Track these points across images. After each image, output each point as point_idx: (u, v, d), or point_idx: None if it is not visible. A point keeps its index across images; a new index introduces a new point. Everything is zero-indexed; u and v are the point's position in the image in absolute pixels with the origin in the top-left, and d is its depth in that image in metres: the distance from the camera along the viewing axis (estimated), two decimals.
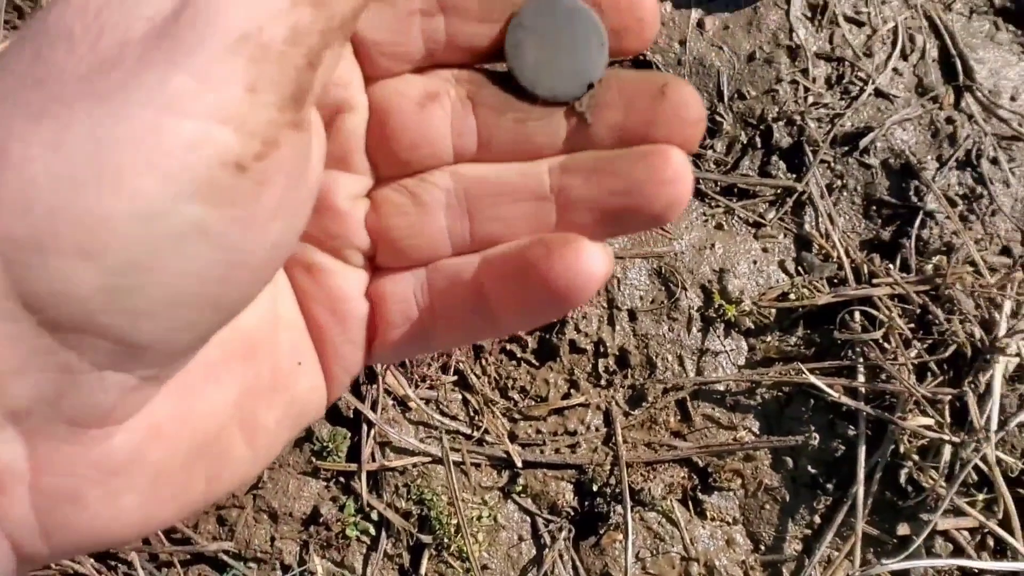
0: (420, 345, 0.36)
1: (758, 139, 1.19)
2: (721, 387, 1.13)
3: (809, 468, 1.11)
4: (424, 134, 0.33)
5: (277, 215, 0.28)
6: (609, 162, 0.32)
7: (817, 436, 1.10)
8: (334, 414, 1.10)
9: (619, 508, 1.08)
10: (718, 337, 1.14)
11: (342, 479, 1.09)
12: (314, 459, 1.09)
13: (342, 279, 0.35)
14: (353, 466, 1.08)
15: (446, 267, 0.35)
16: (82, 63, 0.25)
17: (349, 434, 1.09)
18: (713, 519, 1.11)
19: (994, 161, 1.18)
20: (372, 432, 1.09)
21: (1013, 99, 1.21)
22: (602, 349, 1.14)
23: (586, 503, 1.10)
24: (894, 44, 1.22)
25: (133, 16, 0.25)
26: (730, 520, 1.11)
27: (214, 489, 0.32)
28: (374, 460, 1.09)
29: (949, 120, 1.19)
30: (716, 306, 1.14)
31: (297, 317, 0.35)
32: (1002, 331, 1.07)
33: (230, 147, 0.25)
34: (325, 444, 1.08)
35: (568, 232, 0.32)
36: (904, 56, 1.22)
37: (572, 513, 1.10)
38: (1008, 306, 1.09)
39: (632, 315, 1.14)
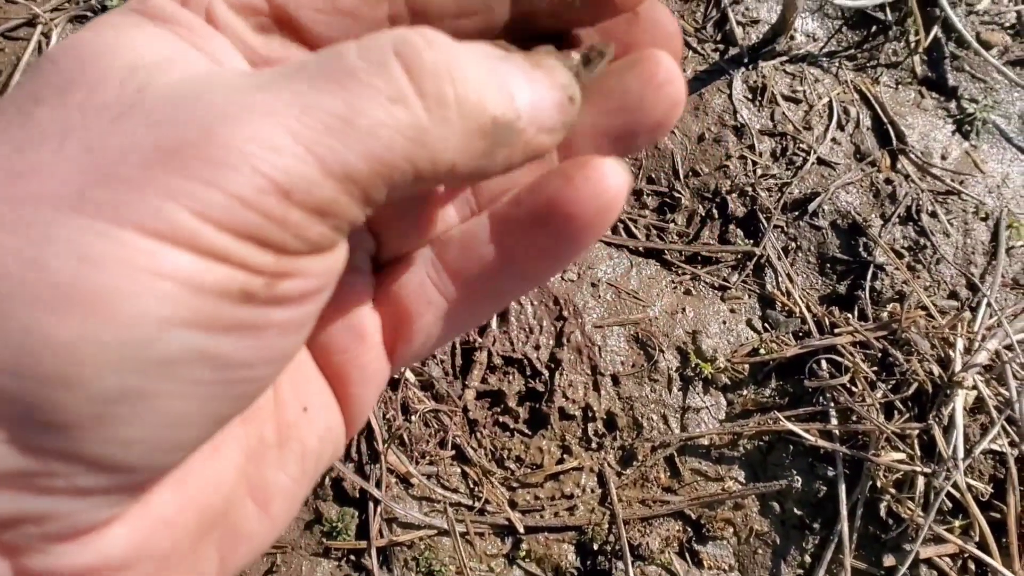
0: (451, 327, 0.34)
1: (715, 210, 1.30)
2: (705, 441, 1.20)
3: (795, 510, 1.17)
4: None
5: (290, 331, 0.25)
6: (598, 82, 0.30)
7: (799, 479, 1.16)
8: (341, 494, 1.16)
9: (620, 564, 1.13)
10: (698, 394, 1.22)
11: (353, 557, 1.14)
12: (324, 539, 1.14)
13: (351, 288, 0.32)
14: (363, 543, 1.13)
15: (455, 238, 0.32)
16: (72, 161, 0.22)
17: (357, 513, 1.15)
18: (710, 567, 1.16)
19: (933, 215, 1.29)
20: (379, 509, 1.14)
21: (943, 158, 1.33)
22: (590, 414, 1.21)
23: (588, 562, 1.15)
24: (830, 117, 1.34)
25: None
26: (726, 567, 1.16)
27: (230, 562, 0.29)
28: (382, 536, 1.14)
29: (888, 181, 1.31)
30: (693, 365, 1.22)
31: (298, 356, 0.32)
32: (958, 367, 1.16)
33: (234, 277, 0.23)
34: (335, 524, 1.14)
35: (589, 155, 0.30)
36: (841, 127, 1.34)
37: (576, 573, 1.15)
38: (961, 344, 1.18)
39: (615, 379, 1.22)
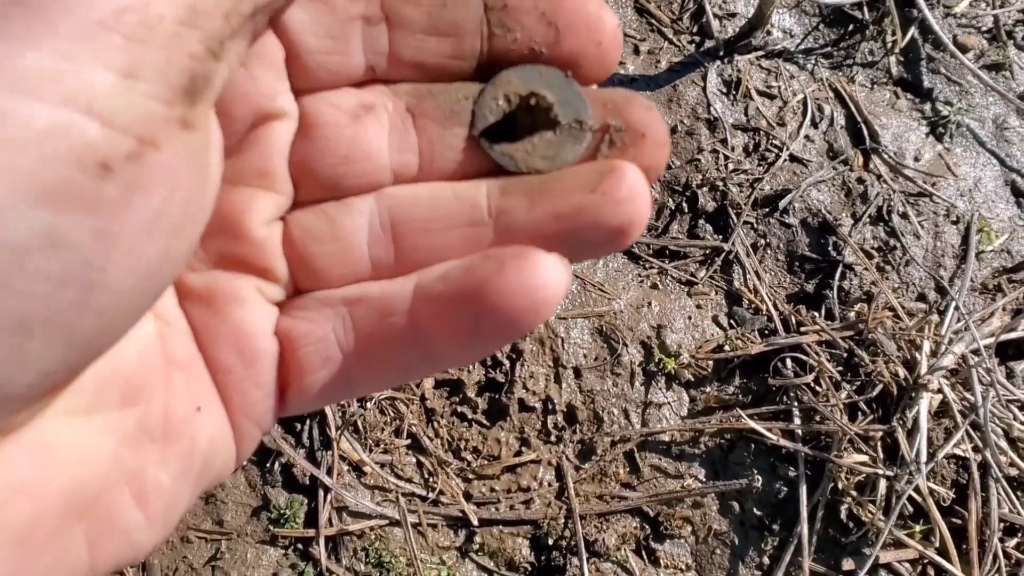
0: (343, 390, 0.31)
1: (685, 204, 1.28)
2: (666, 437, 1.17)
3: (755, 511, 1.15)
4: (357, 149, 0.30)
5: (153, 232, 0.23)
6: (554, 181, 0.29)
7: (760, 479, 1.14)
8: (290, 481, 1.13)
9: (575, 560, 1.11)
10: (660, 390, 1.19)
11: (300, 546, 1.11)
12: (272, 527, 1.10)
13: (250, 314, 0.30)
14: (311, 532, 1.10)
15: (371, 297, 0.30)
16: None
17: (306, 500, 1.12)
18: (667, 566, 1.13)
19: (904, 216, 1.27)
20: (329, 497, 1.11)
21: (916, 159, 1.32)
22: (550, 406, 1.18)
23: (542, 557, 1.13)
24: (804, 114, 1.32)
25: None
26: (683, 567, 1.14)
27: (103, 557, 0.27)
28: (332, 525, 1.11)
29: (860, 180, 1.29)
30: (656, 360, 1.20)
31: (195, 358, 0.30)
32: (923, 369, 1.14)
33: (93, 142, 0.21)
34: (282, 511, 1.10)
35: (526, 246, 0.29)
36: (814, 124, 1.32)
37: (529, 568, 1.13)
38: (927, 346, 1.16)
39: (577, 372, 1.20)
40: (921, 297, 1.24)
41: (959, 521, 1.12)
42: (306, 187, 0.31)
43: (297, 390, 0.31)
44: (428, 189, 0.31)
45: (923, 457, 1.11)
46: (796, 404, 1.16)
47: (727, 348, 1.21)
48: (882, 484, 1.11)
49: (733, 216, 1.26)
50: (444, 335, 0.29)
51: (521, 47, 0.30)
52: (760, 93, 1.33)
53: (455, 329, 0.28)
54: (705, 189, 1.28)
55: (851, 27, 1.37)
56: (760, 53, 1.34)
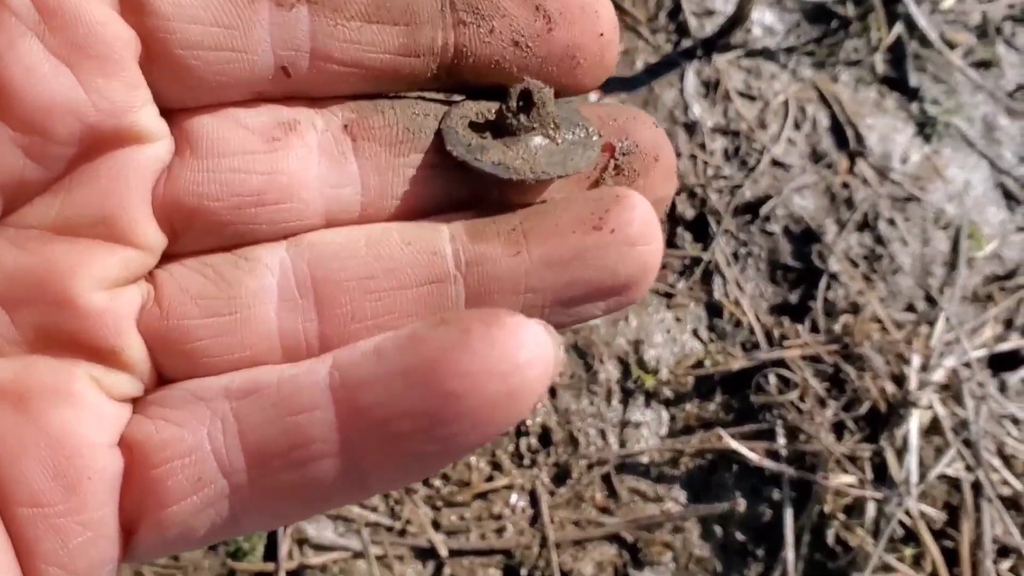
0: (227, 526, 0.22)
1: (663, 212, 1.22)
2: (645, 459, 1.12)
3: (738, 535, 1.09)
4: (275, 183, 0.22)
5: None
6: (543, 216, 0.22)
7: (744, 502, 1.09)
8: None
9: None
10: (638, 408, 1.14)
11: None
12: (229, 560, 1.04)
13: (77, 416, 0.21)
14: (271, 566, 1.04)
15: (268, 389, 0.21)
16: None
17: (265, 532, 1.06)
18: None
19: (891, 222, 1.22)
20: (289, 529, 1.05)
21: (903, 162, 1.26)
22: (523, 428, 1.12)
23: None
24: (786, 115, 1.27)
25: None
26: None
27: None
28: (292, 559, 1.05)
29: (844, 185, 1.24)
30: (634, 377, 1.14)
31: None
32: (913, 385, 1.09)
33: None
34: (240, 544, 1.04)
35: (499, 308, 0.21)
36: (797, 126, 1.27)
37: None
38: (917, 360, 1.11)
39: (551, 391, 1.14)
40: (909, 307, 1.18)
41: (951, 543, 1.06)
42: (191, 235, 0.23)
43: (153, 526, 0.22)
44: (369, 234, 0.23)
45: (913, 478, 1.05)
46: (780, 422, 1.11)
47: (707, 363, 1.15)
48: (871, 506, 1.06)
49: (713, 224, 1.21)
50: (377, 445, 0.20)
51: (500, 41, 0.23)
52: (740, 94, 1.27)
53: (394, 434, 0.19)
54: (683, 196, 1.22)
55: (835, 24, 1.32)
56: (740, 52, 1.28)
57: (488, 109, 0.24)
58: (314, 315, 0.22)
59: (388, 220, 0.23)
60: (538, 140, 0.24)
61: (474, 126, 0.24)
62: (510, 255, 0.22)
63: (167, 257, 0.23)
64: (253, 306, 0.22)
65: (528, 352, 0.19)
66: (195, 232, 0.23)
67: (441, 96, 0.25)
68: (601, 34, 0.23)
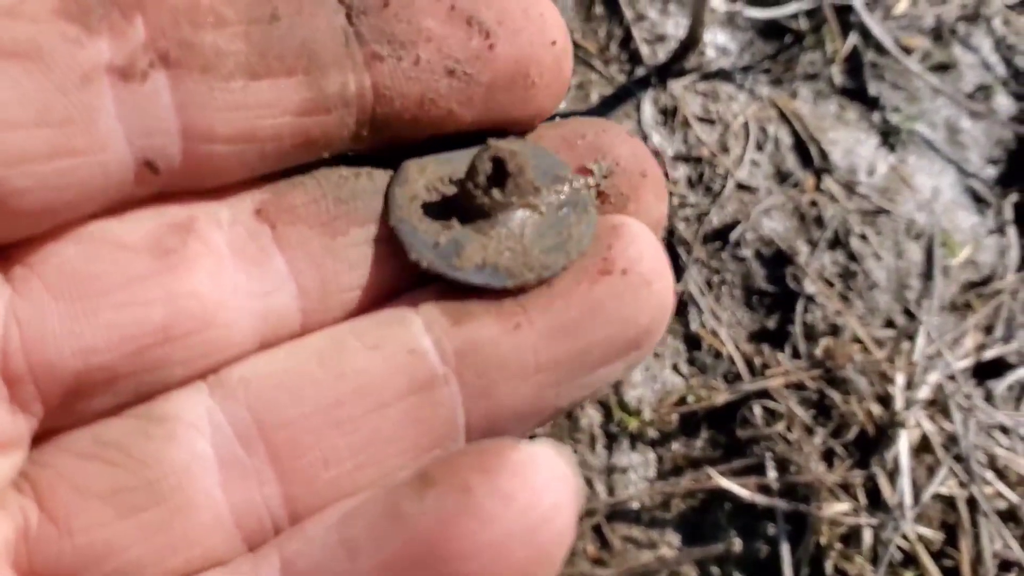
0: None
1: None
2: (635, 504, 1.09)
3: (736, 575, 1.07)
4: (175, 311, 0.17)
5: None
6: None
7: (739, 541, 1.06)
8: None
9: None
10: (624, 452, 1.11)
11: None
12: None
13: None
14: None
15: None
16: None
17: None
18: None
19: (863, 237, 1.20)
20: None
21: (870, 174, 1.24)
22: None
23: None
24: (747, 137, 1.25)
25: None
26: None
27: None
28: None
29: (813, 203, 1.22)
30: (617, 420, 1.11)
31: None
32: (899, 404, 1.07)
33: None
34: None
35: (491, 440, 0.17)
36: (759, 147, 1.25)
37: None
38: (901, 379, 1.09)
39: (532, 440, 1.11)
40: (889, 323, 1.17)
41: (951, 562, 1.05)
42: (73, 403, 0.16)
43: None
44: (320, 347, 0.17)
45: (908, 500, 1.03)
46: (769, 455, 1.08)
47: (690, 399, 1.13)
48: (867, 533, 1.04)
49: (683, 254, 1.18)
50: None
51: (429, 72, 0.18)
52: (699, 119, 1.25)
53: None
54: None
55: (788, 39, 1.30)
56: (695, 76, 1.26)
57: (440, 178, 0.19)
58: (271, 475, 0.17)
59: (339, 322, 0.18)
60: (519, 215, 0.19)
61: (430, 210, 0.19)
62: (508, 331, 0.18)
63: (49, 431, 0.17)
64: (186, 486, 0.16)
65: (553, 493, 0.16)
66: (80, 398, 0.16)
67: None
68: (554, 42, 0.18)
